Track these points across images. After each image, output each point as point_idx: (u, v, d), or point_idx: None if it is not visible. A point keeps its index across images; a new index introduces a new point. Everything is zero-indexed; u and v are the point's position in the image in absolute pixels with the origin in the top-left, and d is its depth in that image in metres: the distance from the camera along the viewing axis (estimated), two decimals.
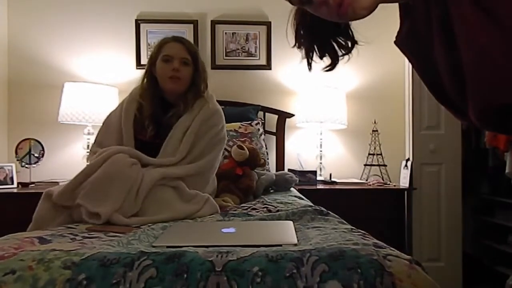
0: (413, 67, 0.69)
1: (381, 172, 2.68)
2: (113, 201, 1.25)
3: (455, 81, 0.58)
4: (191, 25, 2.75)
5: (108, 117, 1.63)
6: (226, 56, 2.79)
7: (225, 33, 2.78)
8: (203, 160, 1.53)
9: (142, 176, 1.35)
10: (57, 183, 2.31)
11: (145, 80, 1.61)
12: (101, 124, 1.64)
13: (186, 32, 2.75)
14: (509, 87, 0.48)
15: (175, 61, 1.54)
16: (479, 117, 0.54)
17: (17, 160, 2.45)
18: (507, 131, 0.55)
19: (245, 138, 2.34)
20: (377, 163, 2.70)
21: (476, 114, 0.54)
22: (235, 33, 2.79)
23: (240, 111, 2.59)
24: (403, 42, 0.69)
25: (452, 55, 0.56)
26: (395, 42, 0.70)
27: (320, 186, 2.43)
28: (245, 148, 1.88)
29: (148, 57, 1.62)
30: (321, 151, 2.65)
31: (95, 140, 1.60)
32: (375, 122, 2.73)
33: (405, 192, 2.41)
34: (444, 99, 0.64)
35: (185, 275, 0.73)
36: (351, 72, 2.81)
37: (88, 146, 2.45)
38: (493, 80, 0.50)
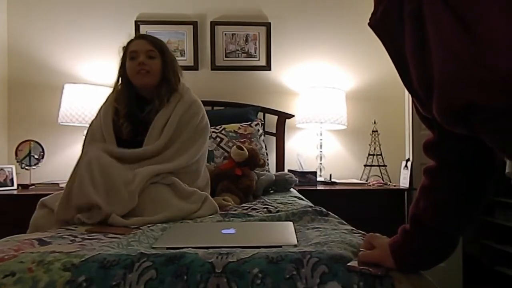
0: (387, 52, 0.69)
1: (381, 173, 2.68)
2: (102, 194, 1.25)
3: (422, 76, 0.60)
4: (191, 26, 2.75)
5: (90, 126, 1.62)
6: (225, 57, 2.79)
7: (225, 34, 2.78)
8: (191, 151, 1.54)
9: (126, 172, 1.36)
10: (57, 184, 2.32)
11: (119, 82, 1.62)
12: (85, 135, 1.62)
13: (186, 33, 2.75)
14: (475, 87, 0.50)
15: (140, 55, 1.55)
16: (442, 114, 0.57)
17: (17, 161, 2.45)
18: (467, 128, 0.56)
19: (244, 139, 2.34)
20: (377, 164, 2.70)
21: (440, 110, 0.57)
22: (234, 34, 2.79)
23: (240, 112, 2.59)
24: (377, 25, 0.68)
25: (422, 50, 0.58)
26: (369, 24, 0.69)
27: (320, 187, 2.42)
28: (245, 149, 1.88)
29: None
30: (321, 151, 2.65)
31: (82, 150, 1.56)
32: (375, 123, 2.73)
33: (405, 192, 2.41)
34: (412, 89, 0.65)
35: (185, 277, 0.73)
36: (351, 72, 2.81)
37: None
38: (460, 81, 0.52)
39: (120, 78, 1.63)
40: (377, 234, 0.83)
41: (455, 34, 0.52)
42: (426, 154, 0.73)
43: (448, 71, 0.54)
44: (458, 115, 0.55)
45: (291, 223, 1.16)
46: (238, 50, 2.79)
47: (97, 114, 1.63)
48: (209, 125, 1.69)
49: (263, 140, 2.52)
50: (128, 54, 1.57)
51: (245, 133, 2.40)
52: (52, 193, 1.44)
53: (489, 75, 0.48)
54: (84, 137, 1.62)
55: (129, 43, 1.61)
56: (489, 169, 0.69)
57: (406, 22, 0.61)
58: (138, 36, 1.67)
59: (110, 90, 1.67)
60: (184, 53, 2.76)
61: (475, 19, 0.50)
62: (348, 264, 0.74)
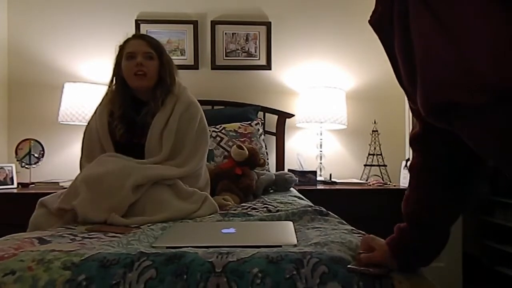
0: (384, 49, 0.74)
1: (381, 172, 2.68)
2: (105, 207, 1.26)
3: (409, 72, 0.63)
4: (191, 26, 2.75)
5: (87, 127, 1.61)
6: (226, 56, 2.79)
7: (225, 33, 2.78)
8: (197, 157, 1.54)
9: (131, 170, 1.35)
10: (57, 183, 2.31)
11: (114, 82, 1.59)
12: (83, 136, 1.61)
13: (186, 32, 2.74)
14: (454, 87, 0.53)
15: (138, 56, 1.52)
16: (426, 108, 0.60)
17: (17, 160, 2.45)
18: (449, 124, 0.59)
19: (244, 138, 2.34)
20: (377, 163, 2.70)
21: (424, 105, 0.59)
22: (235, 33, 2.78)
23: (240, 111, 2.59)
24: (376, 23, 0.72)
25: (408, 49, 0.62)
26: (369, 22, 0.73)
27: (320, 186, 2.42)
28: (245, 148, 1.88)
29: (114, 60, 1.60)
30: (321, 151, 2.65)
31: (81, 153, 1.58)
32: (375, 122, 2.73)
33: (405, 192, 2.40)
34: (402, 84, 0.69)
35: (185, 276, 0.73)
36: (351, 72, 2.81)
37: None
38: (441, 80, 0.55)
39: (114, 78, 1.59)
40: (373, 235, 0.84)
41: (435, 36, 0.54)
42: (411, 146, 0.76)
43: (429, 71, 0.57)
44: (440, 111, 0.57)
45: (291, 222, 1.16)
46: (238, 49, 2.79)
47: (93, 115, 1.61)
48: (207, 125, 1.68)
49: (263, 140, 2.52)
50: (125, 54, 1.54)
51: (245, 132, 2.40)
52: (52, 192, 1.44)
53: (468, 76, 0.50)
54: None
55: (125, 42, 1.57)
56: (472, 162, 0.70)
57: (396, 22, 0.65)
58: (136, 36, 1.64)
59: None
60: (184, 52, 2.76)
61: (454, 22, 0.52)
62: (348, 266, 0.74)
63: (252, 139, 2.37)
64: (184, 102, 1.58)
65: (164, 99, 1.55)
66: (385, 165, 2.69)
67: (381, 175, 2.68)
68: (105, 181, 1.28)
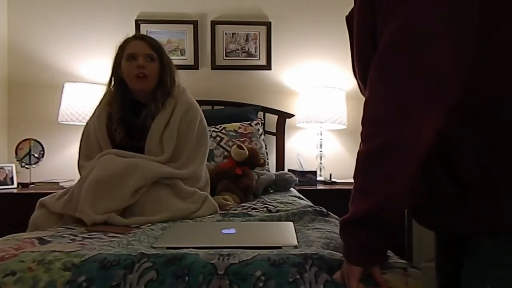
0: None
1: None
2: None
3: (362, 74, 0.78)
4: (191, 26, 2.75)
5: (86, 127, 1.60)
6: (226, 56, 2.79)
7: (225, 33, 2.78)
8: (197, 160, 1.54)
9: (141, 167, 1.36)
10: (57, 183, 2.31)
11: (112, 83, 1.57)
12: (81, 137, 1.59)
13: (186, 32, 2.74)
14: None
15: (139, 58, 1.50)
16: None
17: (17, 160, 2.45)
18: None
19: (244, 138, 2.34)
20: None
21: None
22: (235, 33, 2.78)
23: (240, 111, 2.59)
24: (350, 20, 0.82)
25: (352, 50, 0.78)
26: (346, 17, 0.85)
27: (320, 187, 2.42)
28: (245, 148, 1.88)
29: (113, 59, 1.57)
30: (321, 151, 2.65)
31: (79, 153, 1.57)
32: None
33: None
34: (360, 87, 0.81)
35: (187, 278, 0.73)
36: (351, 72, 2.80)
37: None
38: (359, 80, 0.75)
39: (113, 78, 1.57)
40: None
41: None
42: None
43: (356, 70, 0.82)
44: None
45: (291, 223, 1.16)
46: (238, 49, 2.79)
47: (92, 117, 1.60)
48: (207, 126, 1.67)
49: (263, 140, 2.52)
50: (126, 55, 1.52)
51: (245, 132, 2.40)
52: (52, 192, 1.44)
53: None
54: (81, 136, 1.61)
55: (126, 42, 1.55)
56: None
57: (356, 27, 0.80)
58: (137, 36, 1.62)
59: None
60: (185, 52, 2.75)
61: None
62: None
63: (252, 139, 2.37)
64: (184, 104, 1.57)
65: (164, 101, 1.53)
66: None
67: None
68: (106, 183, 1.28)
